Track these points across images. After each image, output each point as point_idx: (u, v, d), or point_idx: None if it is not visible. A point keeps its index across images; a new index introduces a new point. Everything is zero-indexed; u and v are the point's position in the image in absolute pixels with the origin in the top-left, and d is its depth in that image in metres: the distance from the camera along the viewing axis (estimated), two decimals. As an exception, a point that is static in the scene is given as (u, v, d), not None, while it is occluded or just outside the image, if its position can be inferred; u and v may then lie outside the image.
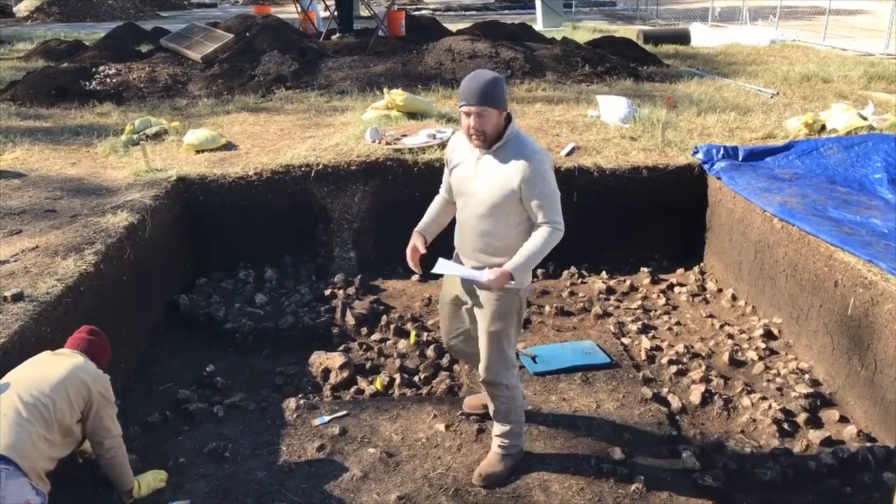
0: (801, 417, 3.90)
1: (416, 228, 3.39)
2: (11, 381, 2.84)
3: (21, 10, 25.78)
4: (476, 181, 3.09)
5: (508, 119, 3.05)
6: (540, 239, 3.03)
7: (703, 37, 14.69)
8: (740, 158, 5.77)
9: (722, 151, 5.78)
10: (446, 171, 3.33)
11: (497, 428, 3.45)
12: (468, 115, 2.98)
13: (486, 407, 3.62)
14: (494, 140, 3.03)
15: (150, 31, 14.72)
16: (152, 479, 3.35)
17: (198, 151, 6.27)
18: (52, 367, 2.96)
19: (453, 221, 3.35)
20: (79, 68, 9.77)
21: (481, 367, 3.30)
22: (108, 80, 9.38)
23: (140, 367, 4.51)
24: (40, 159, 6.16)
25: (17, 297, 3.51)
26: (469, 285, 3.24)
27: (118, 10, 25.60)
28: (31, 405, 2.75)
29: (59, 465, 2.88)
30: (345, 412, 3.99)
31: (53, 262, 4.00)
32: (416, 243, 3.33)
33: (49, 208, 4.93)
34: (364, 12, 16.07)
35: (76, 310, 3.73)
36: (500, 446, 3.44)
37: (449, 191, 3.36)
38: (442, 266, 3.15)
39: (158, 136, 6.72)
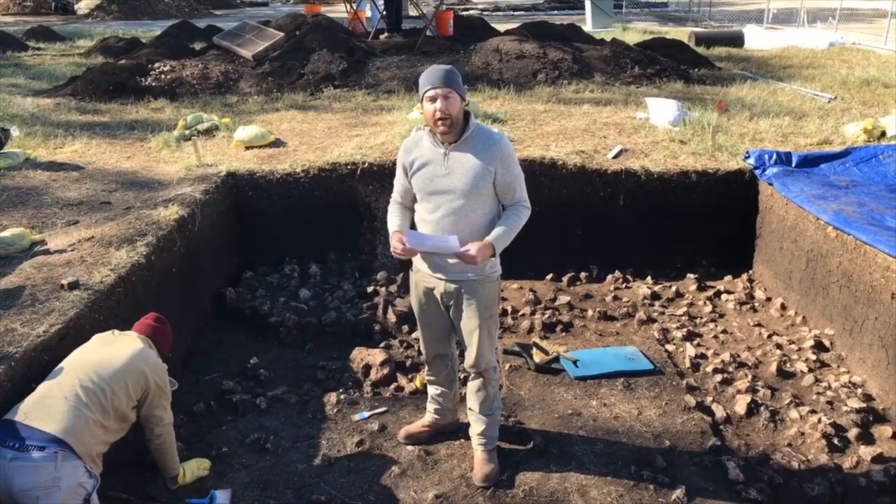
0: (853, 433, 3.78)
1: (395, 228, 3.22)
2: (76, 362, 2.96)
3: (82, 7, 26.70)
4: (450, 177, 3.04)
5: (467, 114, 3.07)
6: (515, 216, 3.12)
7: (758, 39, 14.30)
8: (794, 164, 5.61)
9: (774, 157, 5.63)
10: (402, 176, 3.23)
11: (476, 425, 3.47)
12: (434, 98, 2.96)
13: (427, 427, 3.72)
14: (459, 131, 3.03)
15: (203, 29, 15.11)
16: (196, 467, 3.44)
17: (247, 148, 6.40)
18: (116, 351, 3.06)
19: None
20: (135, 65, 10.06)
21: (474, 358, 3.30)
22: (163, 76, 9.63)
23: (187, 357, 4.62)
24: (97, 152, 6.37)
25: (74, 286, 3.64)
26: (454, 282, 3.17)
27: (174, 8, 26.35)
28: (91, 391, 2.84)
29: (112, 447, 2.97)
30: (384, 409, 4.02)
31: (108, 253, 4.12)
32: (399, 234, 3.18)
33: (105, 200, 5.10)
34: (413, 12, 16.14)
35: (128, 299, 3.85)
36: (481, 445, 3.46)
37: (405, 196, 3.27)
38: (414, 239, 3.07)
39: (209, 132, 6.89)
